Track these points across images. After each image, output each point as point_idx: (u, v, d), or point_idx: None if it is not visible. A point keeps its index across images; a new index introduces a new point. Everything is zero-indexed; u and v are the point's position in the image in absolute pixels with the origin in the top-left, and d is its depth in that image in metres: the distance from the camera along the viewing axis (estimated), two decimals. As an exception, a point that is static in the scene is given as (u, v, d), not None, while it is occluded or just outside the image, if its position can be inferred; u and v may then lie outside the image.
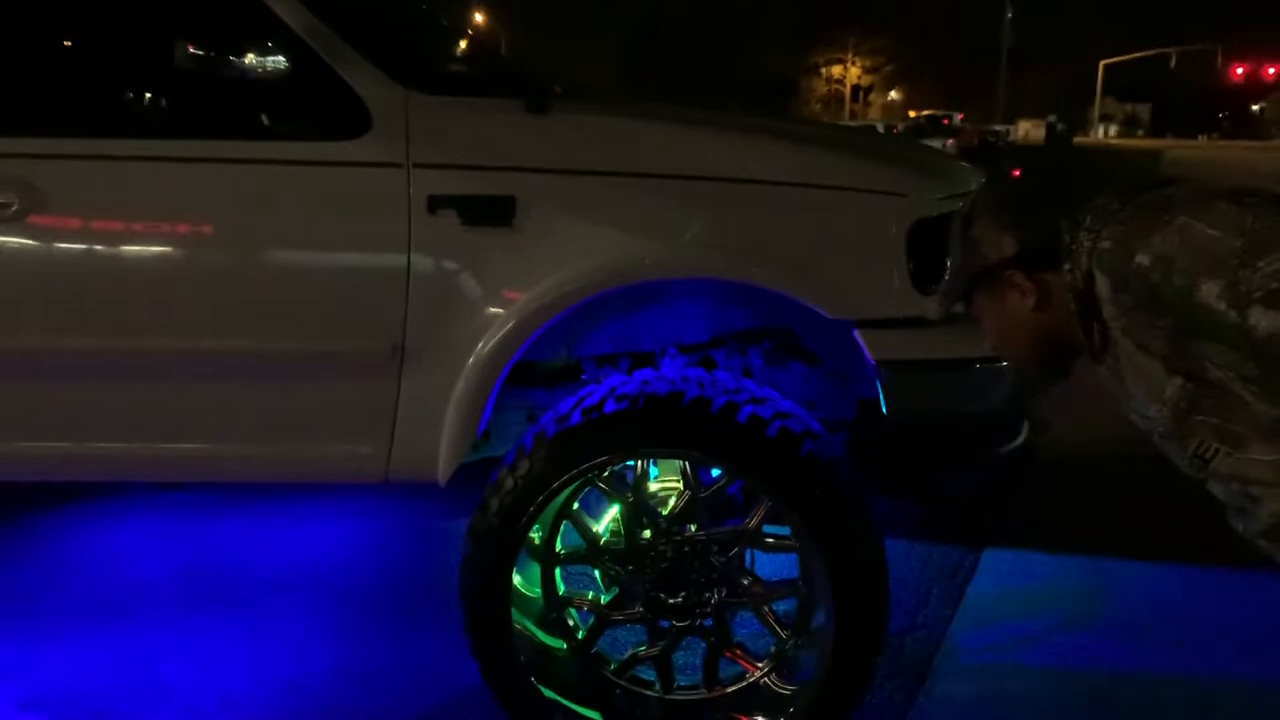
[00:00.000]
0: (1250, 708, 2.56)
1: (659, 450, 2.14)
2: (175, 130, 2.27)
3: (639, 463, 2.22)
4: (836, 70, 69.17)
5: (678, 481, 2.29)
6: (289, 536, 3.42)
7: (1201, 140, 68.21)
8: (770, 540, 2.20)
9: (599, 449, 2.11)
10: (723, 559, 2.22)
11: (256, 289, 2.23)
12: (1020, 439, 2.44)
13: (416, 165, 2.18)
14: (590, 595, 2.36)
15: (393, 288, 2.20)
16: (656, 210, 2.21)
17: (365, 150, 2.19)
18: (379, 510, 3.58)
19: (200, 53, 2.12)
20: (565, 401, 2.25)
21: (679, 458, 2.15)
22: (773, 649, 2.28)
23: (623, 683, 2.32)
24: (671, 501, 2.24)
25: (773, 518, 2.20)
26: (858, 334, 2.21)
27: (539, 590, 2.30)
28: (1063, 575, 3.31)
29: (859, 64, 69.18)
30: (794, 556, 2.28)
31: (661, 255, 2.20)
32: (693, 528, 2.21)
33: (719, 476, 2.18)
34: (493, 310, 2.21)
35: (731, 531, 2.21)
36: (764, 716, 2.24)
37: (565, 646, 2.33)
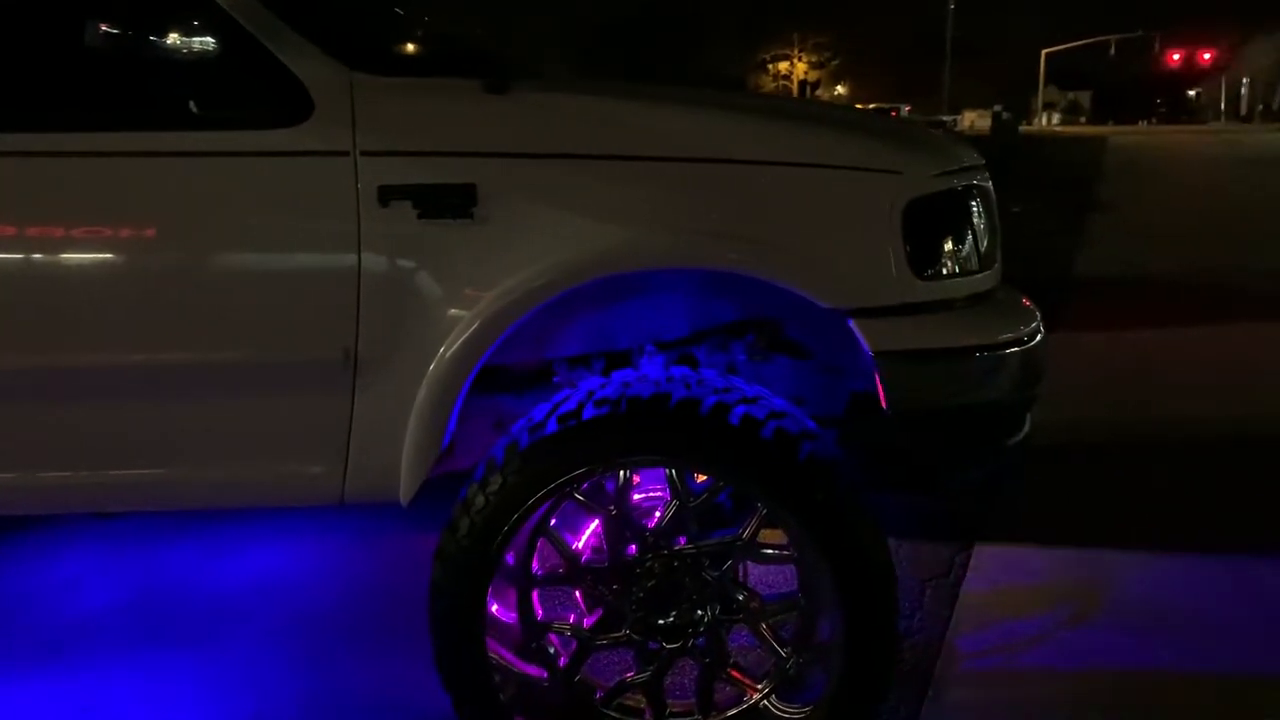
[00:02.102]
0: (1270, 704, 2.45)
1: (644, 458, 1.95)
2: (92, 123, 2.03)
3: (621, 472, 2.04)
4: (783, 66, 69.54)
5: (663, 490, 2.11)
6: (242, 560, 3.21)
7: (1142, 125, 69.54)
8: (770, 551, 2.03)
9: (578, 460, 1.92)
10: (715, 573, 2.04)
11: (190, 296, 2.01)
12: (1025, 430, 2.29)
13: (365, 153, 1.98)
14: (572, 619, 2.17)
15: (342, 289, 2.00)
16: (632, 195, 2.03)
17: (307, 138, 1.99)
18: (338, 527, 3.37)
19: (116, 34, 1.90)
20: (538, 408, 2.06)
21: (667, 466, 1.97)
22: (772, 668, 2.11)
23: (611, 712, 2.13)
24: (658, 513, 2.06)
25: (763, 525, 2.03)
26: (853, 324, 2.04)
27: (514, 615, 2.11)
28: (1057, 570, 3.20)
29: (805, 59, 69.62)
30: (783, 566, 2.12)
31: (640, 245, 2.02)
32: (682, 541, 2.04)
33: (709, 484, 2.01)
34: (454, 311, 2.02)
35: (725, 543, 2.03)
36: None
37: (546, 675, 2.14)
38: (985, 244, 2.23)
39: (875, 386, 2.30)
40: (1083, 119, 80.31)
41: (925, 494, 2.42)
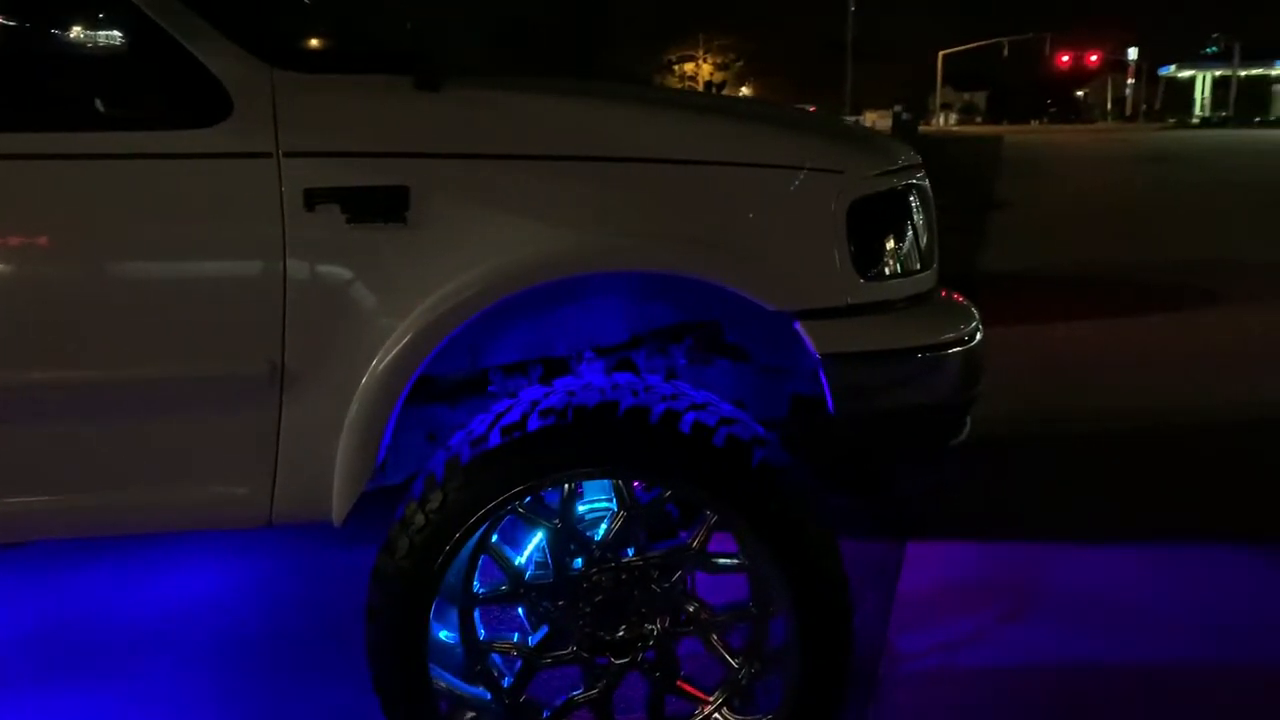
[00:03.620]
0: (1209, 692, 2.49)
1: (594, 470, 1.88)
2: None
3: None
4: (689, 67, 69.92)
5: (609, 501, 2.04)
6: (157, 583, 3.04)
7: (1034, 125, 72.01)
8: (723, 561, 1.97)
9: (524, 474, 1.84)
10: (665, 585, 1.98)
11: (102, 309, 1.88)
12: (966, 431, 2.28)
13: (288, 154, 1.87)
14: (515, 637, 2.09)
15: (267, 299, 1.88)
16: (577, 197, 1.95)
17: (225, 139, 1.86)
18: (257, 545, 3.22)
19: (14, 26, 1.75)
20: (478, 420, 1.97)
21: (618, 477, 1.90)
22: (724, 679, 2.05)
23: (560, 732, 2.06)
24: (604, 525, 2.00)
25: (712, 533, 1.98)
26: (800, 326, 2.00)
27: (456, 636, 2.02)
28: (989, 566, 3.23)
29: (710, 60, 70.13)
30: (730, 575, 2.06)
31: (586, 248, 1.94)
32: (630, 552, 1.97)
33: (657, 493, 1.95)
34: (388, 320, 1.92)
35: (675, 553, 1.97)
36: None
37: (490, 697, 2.05)
38: (925, 243, 2.22)
39: (817, 389, 2.27)
40: (978, 119, 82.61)
41: (869, 496, 2.41)
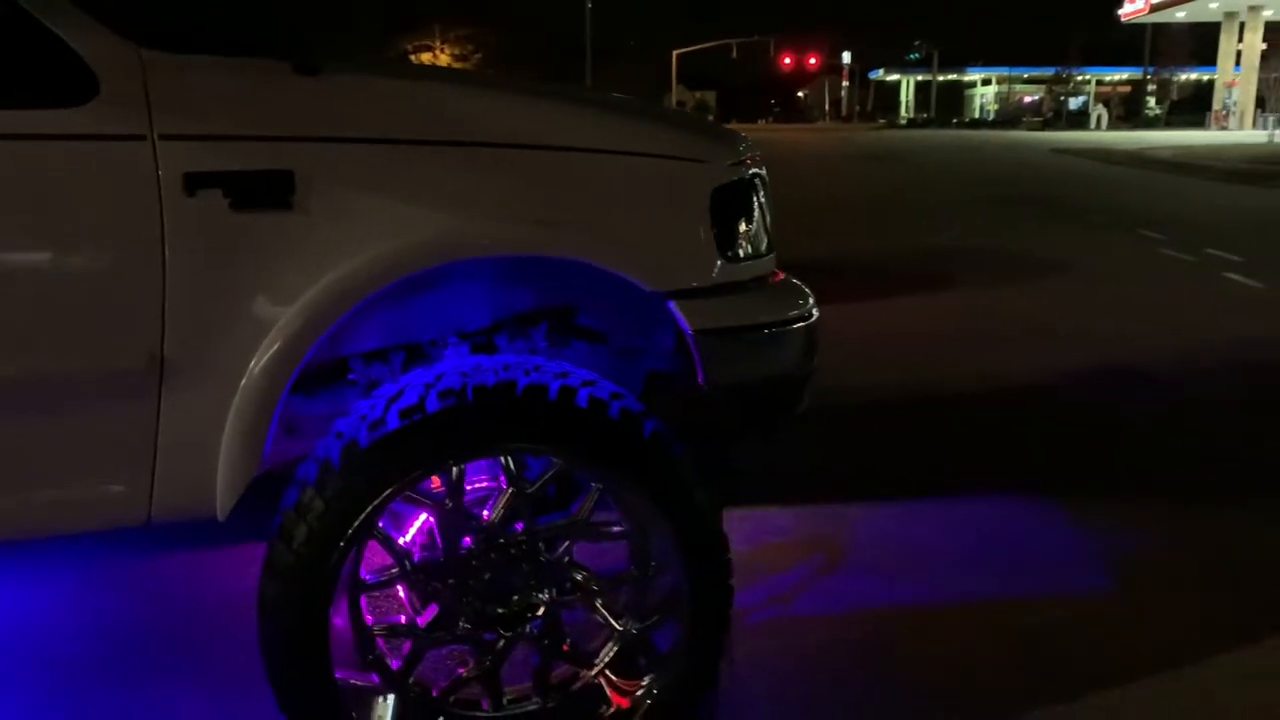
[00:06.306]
0: (1003, 620, 2.84)
1: (497, 448, 1.93)
2: None
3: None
4: (426, 58, 68.67)
5: (490, 479, 2.10)
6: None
7: (761, 124, 76.06)
8: (614, 529, 2.08)
9: (427, 454, 1.86)
10: (552, 556, 2.07)
11: None
12: (808, 401, 2.49)
13: (164, 137, 1.80)
14: (402, 619, 2.10)
15: (144, 288, 1.81)
16: (465, 182, 1.99)
17: (93, 120, 1.77)
18: (57, 550, 3.00)
19: None
20: (364, 404, 1.97)
21: (522, 453, 1.96)
22: (606, 642, 2.16)
23: (451, 708, 2.09)
24: (491, 502, 2.05)
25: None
26: (674, 305, 2.13)
27: (347, 625, 2.01)
28: (802, 527, 3.49)
29: (448, 52, 69.16)
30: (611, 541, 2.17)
31: (473, 232, 1.98)
32: (519, 528, 2.04)
33: (547, 467, 2.02)
34: (274, 308, 1.89)
35: (564, 526, 2.06)
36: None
37: (379, 681, 2.06)
38: (768, 228, 2.41)
39: (670, 366, 2.42)
40: (710, 117, 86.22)
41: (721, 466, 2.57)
